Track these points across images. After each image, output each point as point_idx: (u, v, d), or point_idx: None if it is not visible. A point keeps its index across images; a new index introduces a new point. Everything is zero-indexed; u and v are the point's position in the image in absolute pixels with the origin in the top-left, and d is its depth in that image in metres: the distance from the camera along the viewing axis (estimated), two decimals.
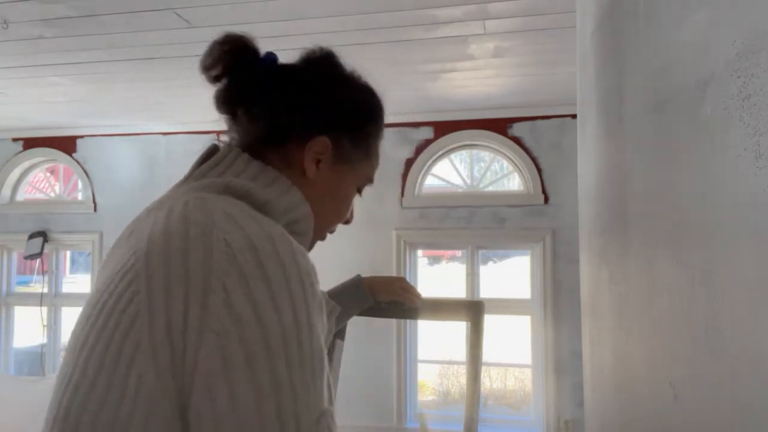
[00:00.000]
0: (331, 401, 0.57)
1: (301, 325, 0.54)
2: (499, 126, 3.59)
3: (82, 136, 4.21)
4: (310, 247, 0.78)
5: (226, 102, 0.77)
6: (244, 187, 0.67)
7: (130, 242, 0.63)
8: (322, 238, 0.83)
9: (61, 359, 0.68)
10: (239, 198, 0.66)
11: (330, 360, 1.11)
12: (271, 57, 0.78)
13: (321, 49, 0.80)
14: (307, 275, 0.57)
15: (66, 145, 4.24)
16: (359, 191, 0.85)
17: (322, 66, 0.79)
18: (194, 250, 0.55)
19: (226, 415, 0.50)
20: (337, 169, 0.78)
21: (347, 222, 0.86)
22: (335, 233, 0.86)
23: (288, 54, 0.83)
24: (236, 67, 0.75)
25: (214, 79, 0.76)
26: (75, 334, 0.61)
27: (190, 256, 0.55)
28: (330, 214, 0.81)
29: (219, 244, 0.55)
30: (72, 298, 4.42)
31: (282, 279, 0.55)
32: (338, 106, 0.77)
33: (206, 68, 0.74)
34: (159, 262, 0.55)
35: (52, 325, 4.32)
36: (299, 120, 0.74)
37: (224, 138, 0.79)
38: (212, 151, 0.77)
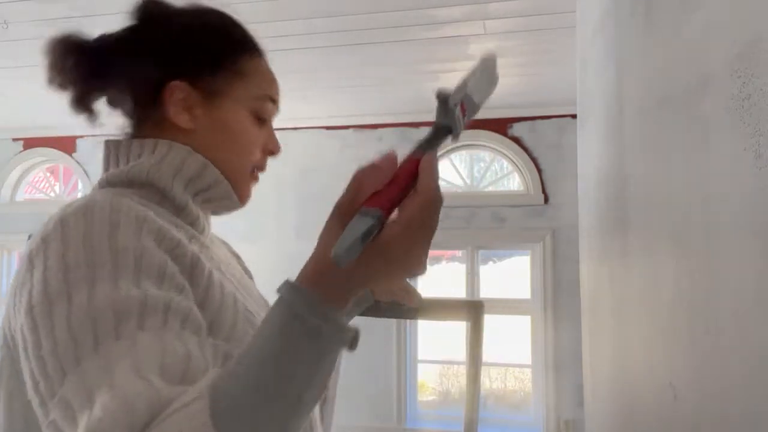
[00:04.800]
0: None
1: (73, 282, 0.53)
2: (499, 126, 3.59)
3: (82, 136, 4.21)
4: (246, 192, 0.74)
5: (82, 103, 0.75)
6: (120, 174, 0.68)
7: None
8: (254, 177, 0.76)
9: None
10: (123, 187, 0.67)
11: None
12: (100, 38, 0.73)
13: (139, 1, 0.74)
14: (89, 244, 0.55)
15: (66, 145, 4.24)
16: (261, 118, 0.74)
17: (142, 16, 0.74)
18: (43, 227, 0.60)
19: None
20: (212, 106, 0.71)
21: (272, 153, 0.77)
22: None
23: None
24: (74, 66, 0.72)
25: (61, 87, 0.74)
26: None
27: (37, 233, 0.59)
28: (235, 152, 0.73)
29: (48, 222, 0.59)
30: None
31: (56, 252, 0.55)
32: (172, 45, 0.72)
33: (58, 85, 0.74)
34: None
35: None
36: (142, 78, 0.71)
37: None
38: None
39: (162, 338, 0.51)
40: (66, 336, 0.51)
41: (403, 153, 0.54)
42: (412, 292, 1.19)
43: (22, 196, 4.51)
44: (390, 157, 0.54)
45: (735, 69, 0.56)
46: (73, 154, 4.23)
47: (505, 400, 4.76)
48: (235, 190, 0.73)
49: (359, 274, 0.51)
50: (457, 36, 2.31)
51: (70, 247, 0.54)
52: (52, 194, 4.65)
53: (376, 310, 1.18)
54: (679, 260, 0.72)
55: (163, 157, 0.68)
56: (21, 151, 4.33)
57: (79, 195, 4.36)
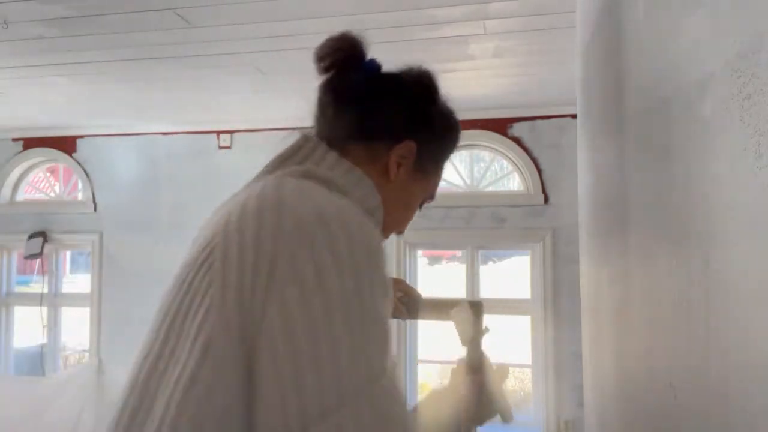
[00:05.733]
0: (386, 368, 0.58)
1: (362, 292, 0.57)
2: (499, 126, 3.59)
3: (82, 136, 4.21)
4: None
5: (328, 92, 0.82)
6: (324, 174, 0.71)
7: (207, 229, 0.68)
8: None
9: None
10: (319, 183, 0.69)
11: None
12: (376, 63, 0.84)
13: (420, 67, 0.87)
14: (373, 250, 0.60)
15: (66, 145, 4.24)
16: (421, 206, 0.90)
17: (420, 80, 0.85)
18: (266, 221, 0.59)
19: (284, 375, 0.52)
20: (413, 176, 0.83)
21: (401, 232, 0.90)
22: None
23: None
24: (344, 63, 0.80)
25: (323, 70, 0.81)
26: (161, 308, 0.65)
27: (262, 228, 0.59)
28: (396, 219, 0.84)
29: (289, 214, 0.59)
30: (72, 298, 4.42)
31: (346, 249, 0.57)
32: (429, 118, 0.83)
33: (318, 59, 0.80)
34: (234, 234, 0.60)
35: (52, 325, 4.32)
36: (393, 122, 0.81)
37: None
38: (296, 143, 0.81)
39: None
40: (371, 347, 0.55)
41: None
42: (411, 294, 1.19)
43: (22, 196, 4.51)
44: None
45: (735, 69, 0.56)
46: (73, 154, 4.23)
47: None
48: None
49: None
50: (457, 36, 2.31)
51: (363, 262, 0.58)
52: (52, 194, 4.64)
53: None
54: (679, 260, 0.72)
55: (357, 181, 0.75)
56: (21, 151, 4.33)
57: (80, 195, 4.36)
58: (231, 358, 0.55)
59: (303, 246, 0.57)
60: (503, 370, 0.89)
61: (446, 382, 0.91)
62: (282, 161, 0.76)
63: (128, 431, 0.58)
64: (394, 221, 0.84)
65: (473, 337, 0.91)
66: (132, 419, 0.58)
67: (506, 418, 0.88)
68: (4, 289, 4.46)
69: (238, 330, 0.55)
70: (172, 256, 0.71)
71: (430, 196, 0.91)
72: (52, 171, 4.86)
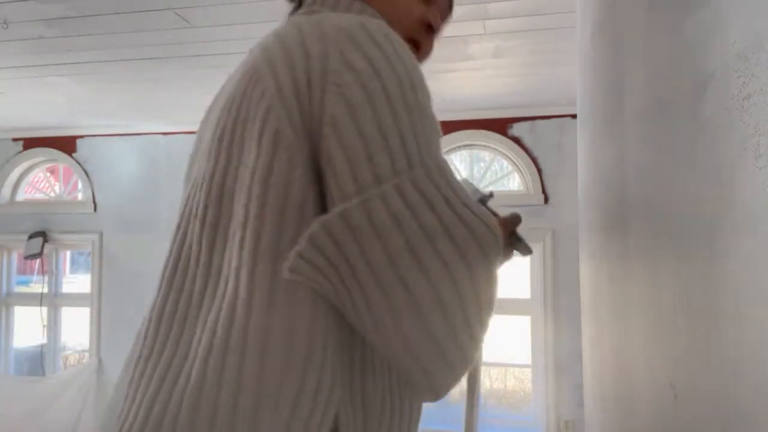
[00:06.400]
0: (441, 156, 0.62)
1: (413, 78, 0.60)
2: (499, 126, 3.59)
3: (82, 136, 4.21)
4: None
5: None
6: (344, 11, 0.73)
7: (234, 77, 0.71)
8: (416, 48, 0.79)
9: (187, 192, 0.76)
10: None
11: None
12: None
13: None
14: (410, 51, 0.63)
15: (66, 145, 4.24)
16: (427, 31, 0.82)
17: None
18: (309, 33, 0.62)
19: (354, 148, 0.56)
20: None
21: (431, 28, 0.81)
22: None
23: None
24: None
25: None
26: (211, 132, 0.68)
27: (306, 38, 0.61)
28: (397, 19, 0.76)
29: (331, 27, 0.62)
30: (72, 298, 4.42)
31: (390, 44, 0.61)
32: None
33: None
34: (276, 50, 0.62)
35: (52, 325, 4.32)
36: None
37: None
38: None
39: None
40: (428, 131, 0.59)
41: None
42: None
43: (22, 196, 4.51)
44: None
45: (735, 69, 0.56)
46: (73, 154, 4.23)
47: (505, 400, 4.76)
48: None
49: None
50: (457, 36, 2.31)
51: (408, 58, 0.62)
52: (52, 194, 4.64)
53: None
54: (679, 260, 0.72)
55: (372, 13, 0.74)
56: (21, 151, 4.33)
57: (80, 195, 4.36)
58: (298, 150, 0.58)
59: (349, 44, 0.59)
60: (515, 216, 0.92)
61: None
62: (294, 11, 0.78)
63: (215, 238, 0.62)
64: (398, 25, 0.77)
65: (481, 199, 0.96)
66: (214, 228, 0.62)
67: (525, 252, 0.92)
68: (4, 289, 4.46)
69: (300, 122, 0.58)
70: None
71: (430, 23, 0.81)
72: (52, 171, 4.86)
